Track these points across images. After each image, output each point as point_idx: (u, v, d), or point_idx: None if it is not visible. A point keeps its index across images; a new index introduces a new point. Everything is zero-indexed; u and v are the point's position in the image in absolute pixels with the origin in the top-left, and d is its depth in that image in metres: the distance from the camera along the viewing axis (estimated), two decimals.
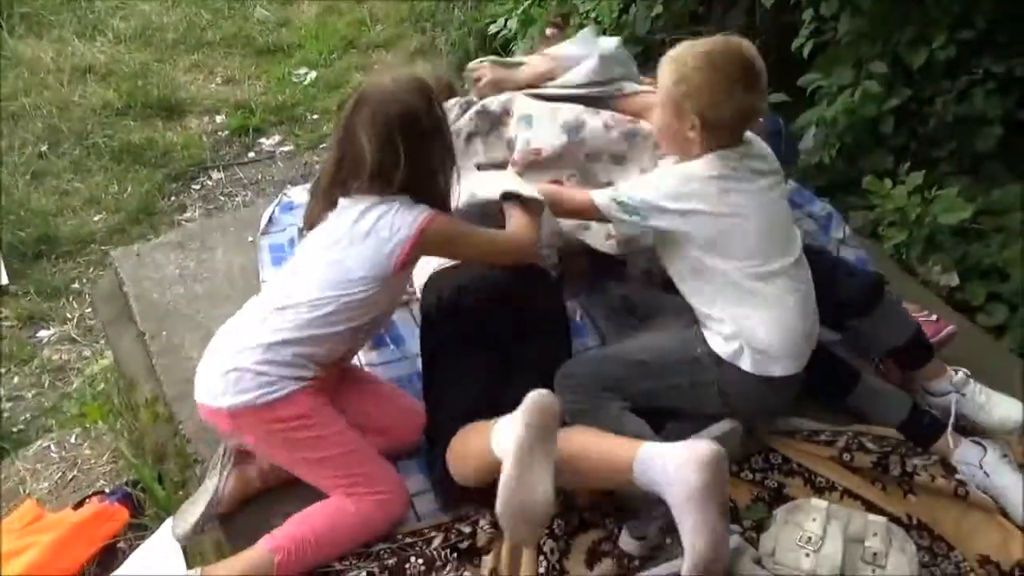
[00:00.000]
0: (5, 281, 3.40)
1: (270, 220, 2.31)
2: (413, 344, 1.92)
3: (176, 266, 2.14)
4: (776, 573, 1.59)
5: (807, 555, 1.59)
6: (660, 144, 1.96)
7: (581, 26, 3.54)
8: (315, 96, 4.72)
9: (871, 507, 1.74)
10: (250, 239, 2.24)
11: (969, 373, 1.93)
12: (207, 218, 2.65)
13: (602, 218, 1.84)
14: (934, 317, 2.10)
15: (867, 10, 2.84)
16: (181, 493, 1.78)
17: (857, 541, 1.61)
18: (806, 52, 2.98)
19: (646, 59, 3.57)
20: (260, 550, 1.54)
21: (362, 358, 1.93)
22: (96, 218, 3.78)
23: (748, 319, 1.72)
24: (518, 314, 1.78)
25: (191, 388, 1.79)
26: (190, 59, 4.93)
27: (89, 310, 3.36)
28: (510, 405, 1.49)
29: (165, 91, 4.54)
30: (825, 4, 2.92)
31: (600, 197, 1.81)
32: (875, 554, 1.59)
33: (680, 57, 1.74)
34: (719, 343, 1.74)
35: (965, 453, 1.85)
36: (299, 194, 2.42)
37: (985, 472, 1.81)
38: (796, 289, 1.75)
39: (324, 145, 4.36)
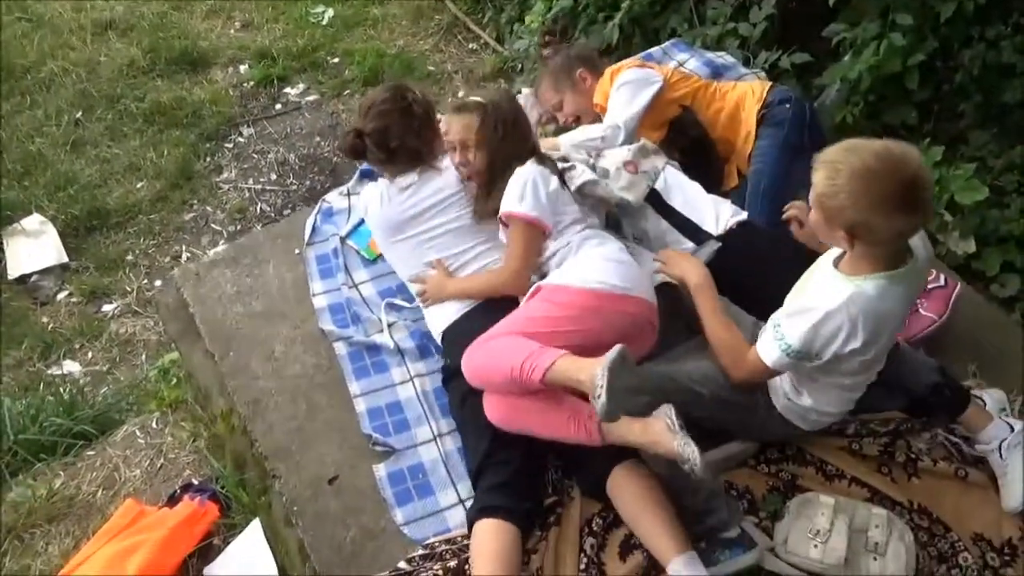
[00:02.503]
0: (65, 259, 3.60)
1: (313, 230, 2.45)
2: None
3: (233, 284, 2.32)
4: (788, 560, 1.82)
5: (815, 546, 1.81)
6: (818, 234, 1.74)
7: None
8: (334, 36, 4.70)
9: (876, 493, 1.94)
10: (296, 251, 2.40)
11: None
12: (256, 231, 2.73)
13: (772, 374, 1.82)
14: (942, 280, 2.20)
15: None
16: (263, 499, 2.03)
17: (861, 531, 1.82)
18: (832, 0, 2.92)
19: (668, 2, 3.53)
20: None
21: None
22: (139, 186, 3.93)
23: (826, 404, 1.84)
24: None
25: (261, 408, 2.01)
26: (206, 4, 4.90)
27: (146, 281, 3.59)
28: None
29: (186, 43, 4.56)
30: None
31: (766, 348, 1.73)
32: (876, 544, 1.80)
33: (835, 166, 1.55)
34: (784, 405, 1.88)
35: (991, 432, 1.96)
36: (337, 199, 2.54)
37: (1001, 453, 1.95)
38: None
39: (348, 91, 4.41)
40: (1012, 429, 1.96)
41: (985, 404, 2.01)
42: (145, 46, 4.50)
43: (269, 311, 2.27)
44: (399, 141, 2.13)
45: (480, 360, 1.84)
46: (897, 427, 2.04)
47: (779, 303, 1.77)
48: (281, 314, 2.26)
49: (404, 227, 2.16)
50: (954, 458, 2.01)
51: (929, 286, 2.17)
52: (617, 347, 1.64)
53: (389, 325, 2.23)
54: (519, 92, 2.94)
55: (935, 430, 2.04)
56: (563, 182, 2.14)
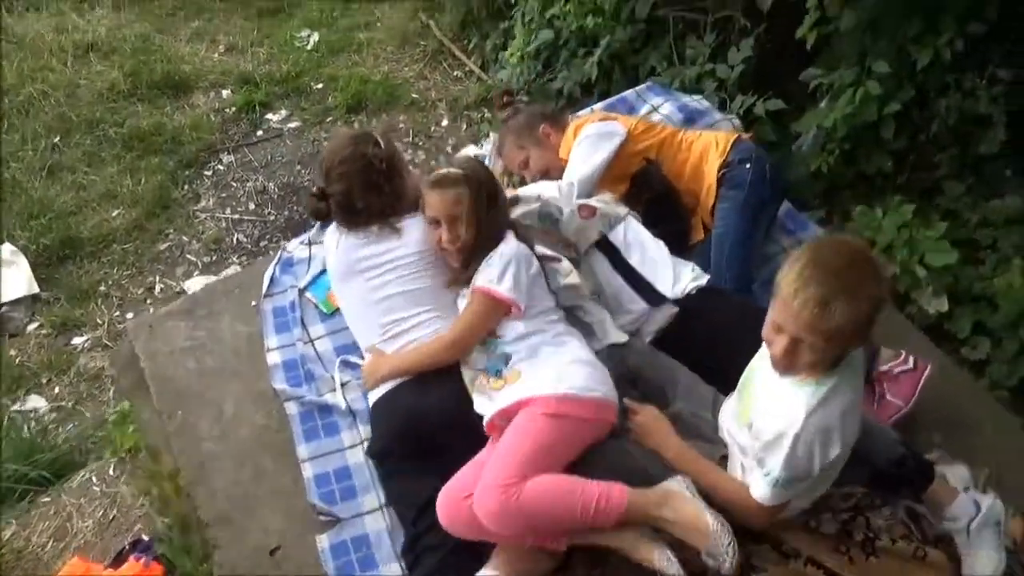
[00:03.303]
0: (36, 290, 3.56)
1: (271, 281, 2.41)
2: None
3: (186, 337, 2.28)
4: None
5: None
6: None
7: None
8: (318, 62, 4.67)
9: (834, 574, 1.88)
10: (253, 303, 2.35)
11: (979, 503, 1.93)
12: (212, 281, 2.68)
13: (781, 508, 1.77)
14: (911, 363, 2.15)
15: (871, 4, 2.71)
16: (204, 567, 1.99)
17: None
18: (810, 43, 2.87)
19: (648, 40, 3.49)
20: None
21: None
22: (114, 214, 3.89)
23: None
24: (470, 437, 1.91)
25: (206, 471, 1.97)
26: (191, 26, 4.88)
27: (117, 314, 3.55)
28: None
29: (168, 66, 4.53)
30: None
31: (760, 490, 1.71)
32: None
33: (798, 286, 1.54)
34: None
35: (958, 508, 1.93)
36: (297, 249, 2.49)
37: (968, 533, 1.91)
38: None
39: (331, 118, 4.38)
40: (979, 508, 1.91)
41: (948, 481, 1.96)
42: (127, 69, 4.46)
43: (221, 367, 2.23)
44: (364, 202, 2.09)
45: (529, 509, 1.71)
46: (858, 503, 1.98)
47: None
48: (234, 371, 2.22)
49: (355, 276, 2.10)
50: (913, 537, 1.95)
51: (896, 369, 2.12)
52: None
53: (343, 384, 2.19)
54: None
55: (896, 506, 1.99)
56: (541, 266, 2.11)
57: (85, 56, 4.59)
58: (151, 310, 3.48)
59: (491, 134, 3.19)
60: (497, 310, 1.99)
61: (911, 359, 2.15)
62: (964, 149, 2.73)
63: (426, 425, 1.94)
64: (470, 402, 1.97)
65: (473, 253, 2.07)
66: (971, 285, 2.47)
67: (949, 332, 2.45)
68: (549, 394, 1.85)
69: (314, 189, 2.16)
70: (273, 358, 2.25)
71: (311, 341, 2.29)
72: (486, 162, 2.72)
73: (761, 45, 3.06)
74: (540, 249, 2.18)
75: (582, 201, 2.27)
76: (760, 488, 1.72)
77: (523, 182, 2.62)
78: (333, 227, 2.22)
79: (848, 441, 1.67)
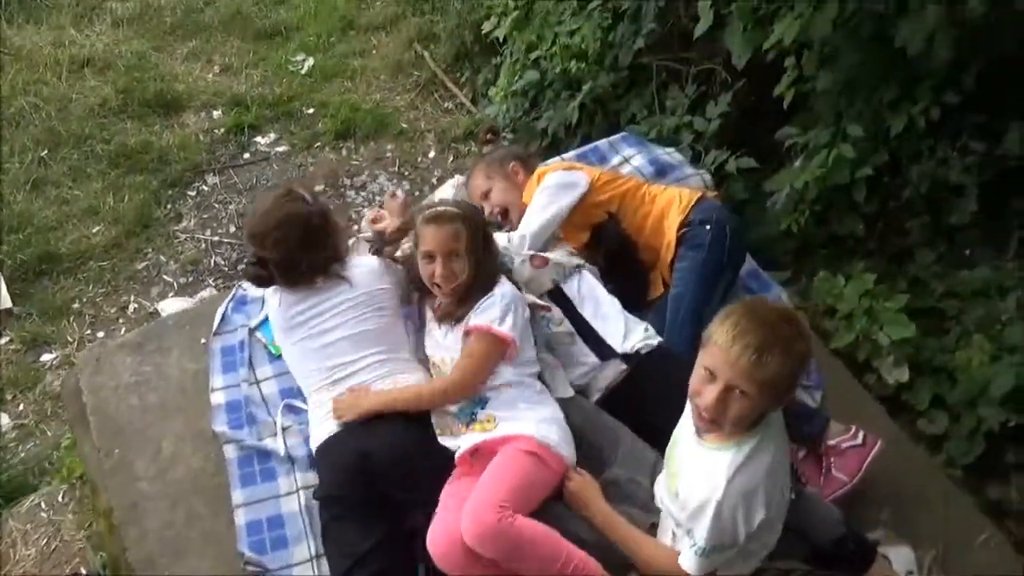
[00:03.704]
0: (8, 305, 3.56)
1: (223, 319, 2.40)
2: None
3: (132, 372, 2.27)
4: None
5: None
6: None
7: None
8: (311, 87, 4.69)
9: None
10: (203, 340, 2.34)
11: None
12: (165, 317, 2.68)
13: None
14: (860, 439, 2.12)
15: (848, 66, 2.70)
16: None
17: None
18: (787, 102, 2.86)
19: (633, 84, 3.50)
20: None
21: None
22: (95, 230, 3.90)
23: None
24: (418, 481, 1.90)
25: (138, 512, 1.95)
26: (188, 46, 4.91)
27: (88, 332, 3.55)
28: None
29: (162, 85, 4.55)
30: (807, 54, 2.79)
31: (688, 561, 1.71)
32: None
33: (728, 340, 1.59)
34: None
35: None
36: (252, 287, 2.48)
37: None
38: None
39: (319, 144, 4.39)
40: None
41: (891, 563, 1.92)
42: (120, 86, 4.49)
43: (164, 405, 2.22)
44: (307, 263, 2.10)
45: (519, 537, 1.74)
46: None
47: None
48: (177, 408, 2.20)
49: (299, 328, 2.10)
50: None
51: (844, 444, 2.10)
52: None
53: (284, 429, 2.16)
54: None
55: None
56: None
57: (80, 71, 4.62)
58: (122, 331, 3.48)
59: None
60: (499, 350, 2.02)
61: (860, 434, 2.12)
62: (936, 217, 2.71)
63: (376, 466, 1.92)
64: (421, 443, 1.96)
65: (468, 292, 2.10)
66: (933, 356, 2.44)
67: (908, 403, 2.42)
68: (532, 435, 1.92)
69: (250, 257, 2.15)
70: (217, 398, 2.24)
71: (257, 383, 2.28)
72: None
73: (739, 100, 3.05)
74: (530, 297, 2.21)
75: (533, 252, 2.27)
76: (687, 559, 1.73)
77: None
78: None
79: (776, 502, 1.66)
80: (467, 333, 2.06)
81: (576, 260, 2.32)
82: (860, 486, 2.07)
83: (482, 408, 2.03)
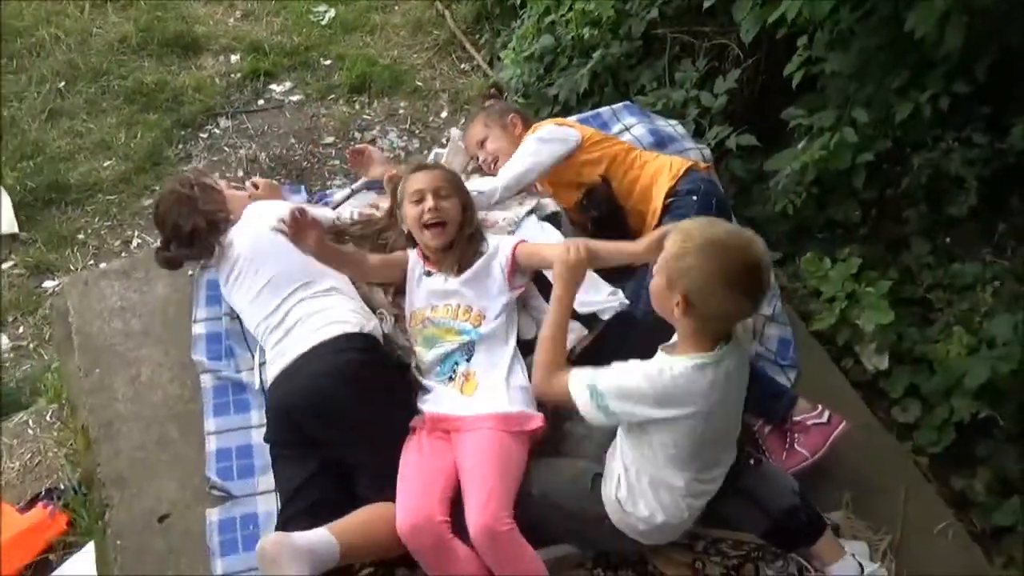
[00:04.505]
0: (16, 230, 3.63)
1: None
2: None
3: (119, 297, 2.32)
4: None
5: None
6: (651, 301, 1.81)
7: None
8: (330, 39, 4.69)
9: None
10: (190, 272, 2.38)
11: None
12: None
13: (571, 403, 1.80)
14: (825, 417, 2.13)
15: (860, 49, 2.67)
16: (100, 524, 2.02)
17: None
18: (795, 82, 2.83)
19: (646, 55, 3.47)
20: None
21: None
22: (105, 164, 3.94)
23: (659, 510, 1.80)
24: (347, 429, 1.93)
25: (112, 431, 2.00)
26: None
27: (91, 262, 3.61)
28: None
29: (183, 25, 4.58)
30: (819, 35, 2.75)
31: (577, 386, 1.77)
32: None
33: (690, 232, 1.67)
34: (618, 518, 1.83)
35: (839, 569, 1.91)
36: None
37: None
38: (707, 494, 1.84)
39: (333, 96, 4.40)
40: (862, 570, 1.89)
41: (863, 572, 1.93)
42: (141, 23, 4.52)
43: (146, 331, 2.26)
44: (190, 224, 2.21)
45: (516, 548, 1.77)
46: (749, 552, 1.97)
47: None
48: (157, 337, 2.25)
49: (233, 295, 2.22)
50: None
51: (810, 421, 2.10)
52: None
53: (261, 364, 2.20)
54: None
55: (788, 561, 1.97)
56: None
57: (103, 5, 4.65)
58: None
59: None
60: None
61: (826, 414, 2.12)
62: (934, 208, 2.69)
63: (300, 415, 1.94)
64: (348, 395, 1.94)
65: (462, 237, 2.16)
66: (914, 346, 2.43)
67: (884, 391, 2.41)
68: (508, 412, 1.95)
69: (156, 245, 2.32)
70: (197, 329, 2.28)
71: (239, 317, 2.31)
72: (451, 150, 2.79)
73: (749, 78, 3.02)
74: None
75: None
76: (578, 381, 1.77)
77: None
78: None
79: (667, 419, 1.69)
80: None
81: (527, 207, 2.33)
82: (821, 463, 2.07)
83: (467, 360, 2.05)
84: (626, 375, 1.74)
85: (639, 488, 1.79)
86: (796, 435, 2.10)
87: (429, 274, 2.19)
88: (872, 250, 2.67)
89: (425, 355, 2.10)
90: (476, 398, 2.00)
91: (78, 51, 4.35)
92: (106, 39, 4.44)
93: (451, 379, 2.05)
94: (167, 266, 2.29)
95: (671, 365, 1.70)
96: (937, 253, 2.64)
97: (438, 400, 2.03)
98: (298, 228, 1.94)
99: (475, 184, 2.32)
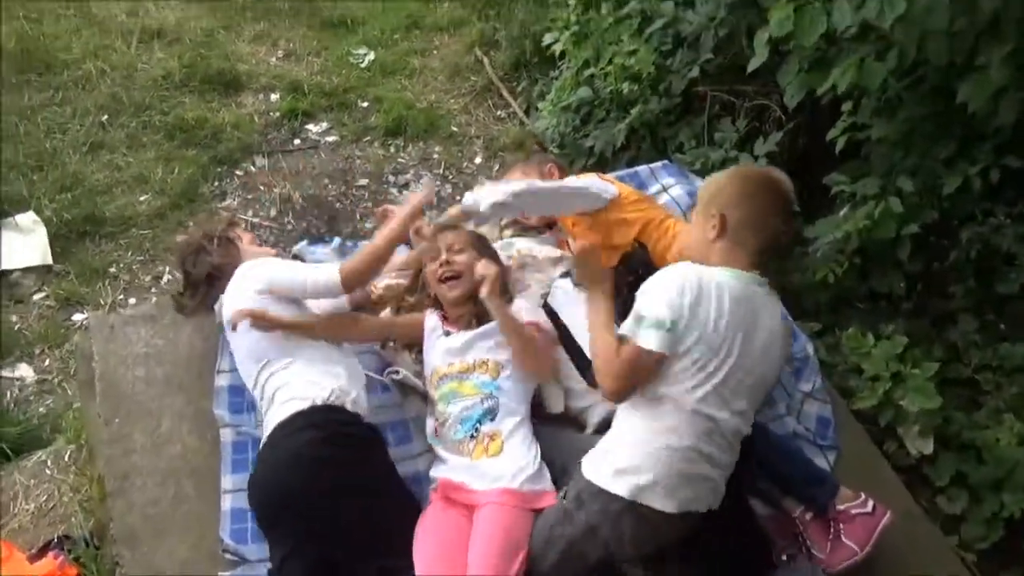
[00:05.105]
0: (50, 261, 3.65)
1: None
2: None
3: (144, 343, 2.29)
4: None
5: None
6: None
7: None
8: (369, 80, 4.73)
9: None
10: (217, 321, 2.35)
11: None
12: None
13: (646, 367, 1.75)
14: (869, 507, 2.02)
15: (906, 118, 2.60)
16: None
17: None
18: (839, 147, 2.76)
19: (685, 112, 3.43)
20: None
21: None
22: (141, 199, 3.97)
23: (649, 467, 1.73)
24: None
25: (127, 485, 1.96)
26: (255, 28, 5.00)
27: (121, 297, 3.62)
28: None
29: (225, 63, 4.63)
30: (865, 101, 2.69)
31: (642, 333, 1.73)
32: None
33: (719, 176, 1.92)
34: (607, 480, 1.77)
35: None
36: None
37: None
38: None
39: (368, 138, 4.41)
40: None
41: None
42: (185, 60, 4.58)
43: (169, 380, 2.23)
44: (194, 266, 2.22)
45: None
46: None
47: None
48: (180, 386, 2.21)
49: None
50: None
51: (854, 511, 2.00)
52: None
53: None
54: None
55: None
56: None
57: (150, 42, 4.73)
58: (152, 300, 3.54)
59: None
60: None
61: (870, 503, 2.02)
62: (982, 284, 2.59)
63: (269, 508, 1.89)
64: (308, 470, 1.89)
65: (477, 289, 2.12)
66: (961, 431, 2.31)
67: (927, 477, 2.30)
68: (522, 490, 1.92)
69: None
70: (221, 380, 2.24)
71: None
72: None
73: (791, 140, 2.96)
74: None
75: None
76: (640, 333, 1.72)
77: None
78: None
79: (714, 318, 1.70)
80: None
81: (559, 269, 2.32)
82: (869, 555, 1.97)
83: (491, 420, 2.00)
84: (663, 282, 1.76)
85: (631, 439, 1.77)
86: (841, 525, 2.00)
87: (448, 334, 2.18)
88: (916, 325, 2.58)
89: (447, 411, 2.06)
90: (501, 460, 1.96)
91: (122, 85, 4.42)
92: (151, 74, 4.50)
93: (473, 437, 2.00)
94: (178, 310, 2.29)
95: (707, 267, 1.75)
96: (985, 332, 2.54)
97: (453, 467, 2.00)
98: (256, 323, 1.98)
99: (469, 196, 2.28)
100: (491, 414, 2.02)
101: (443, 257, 2.20)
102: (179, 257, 2.29)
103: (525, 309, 2.18)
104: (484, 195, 2.19)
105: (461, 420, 2.03)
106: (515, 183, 2.30)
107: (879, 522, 2.01)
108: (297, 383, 1.96)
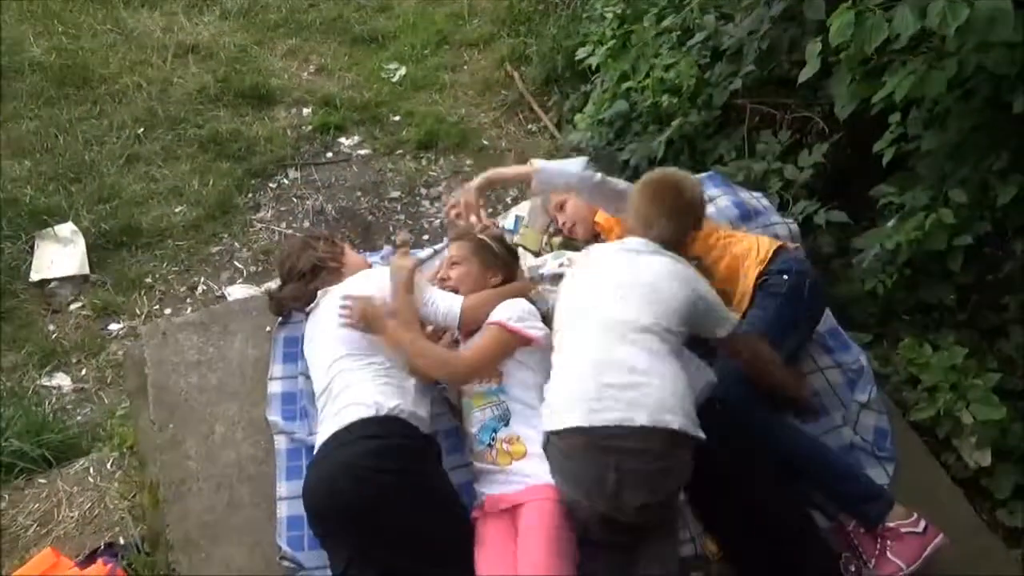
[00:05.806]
0: (87, 271, 3.66)
1: (290, 310, 2.40)
2: None
3: (197, 351, 2.28)
4: None
5: None
6: None
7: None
8: (400, 95, 4.75)
9: None
10: (268, 328, 2.35)
11: None
12: (232, 301, 2.83)
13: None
14: (921, 527, 1.98)
15: (957, 129, 2.58)
16: None
17: None
18: (886, 159, 2.74)
19: (722, 127, 3.42)
20: None
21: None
22: (177, 210, 3.99)
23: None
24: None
25: (183, 491, 1.94)
26: (288, 44, 5.04)
27: (156, 307, 3.62)
28: None
29: (258, 78, 4.68)
30: (913, 112, 2.68)
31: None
32: None
33: None
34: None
35: None
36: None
37: None
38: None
39: (400, 151, 4.43)
40: None
41: None
42: (219, 75, 4.63)
43: (222, 387, 2.22)
44: (292, 288, 2.29)
45: None
46: None
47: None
48: (233, 392, 2.20)
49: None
50: None
51: (904, 529, 1.96)
52: None
53: None
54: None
55: None
56: None
57: (184, 57, 4.78)
58: (188, 310, 3.54)
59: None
60: (511, 343, 2.04)
61: (922, 523, 1.98)
62: None
63: (323, 515, 1.88)
64: (363, 483, 1.86)
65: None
66: (1020, 443, 2.27)
67: (986, 490, 2.26)
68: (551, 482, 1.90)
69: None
70: (273, 387, 2.23)
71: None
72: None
73: (839, 150, 2.95)
74: None
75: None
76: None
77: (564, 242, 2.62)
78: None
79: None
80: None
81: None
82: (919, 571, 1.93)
83: (505, 425, 1.99)
84: None
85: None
86: (888, 542, 1.96)
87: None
88: (968, 336, 2.54)
89: (469, 427, 2.07)
90: (530, 460, 1.94)
91: (158, 99, 4.46)
92: (185, 88, 4.54)
93: (490, 446, 1.99)
94: (274, 309, 2.34)
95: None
96: None
97: (489, 481, 1.99)
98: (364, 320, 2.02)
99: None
100: (503, 419, 2.01)
101: (442, 272, 2.26)
102: (287, 252, 2.34)
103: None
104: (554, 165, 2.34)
105: (480, 431, 2.02)
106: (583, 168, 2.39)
107: (930, 542, 1.97)
108: (363, 387, 1.96)
